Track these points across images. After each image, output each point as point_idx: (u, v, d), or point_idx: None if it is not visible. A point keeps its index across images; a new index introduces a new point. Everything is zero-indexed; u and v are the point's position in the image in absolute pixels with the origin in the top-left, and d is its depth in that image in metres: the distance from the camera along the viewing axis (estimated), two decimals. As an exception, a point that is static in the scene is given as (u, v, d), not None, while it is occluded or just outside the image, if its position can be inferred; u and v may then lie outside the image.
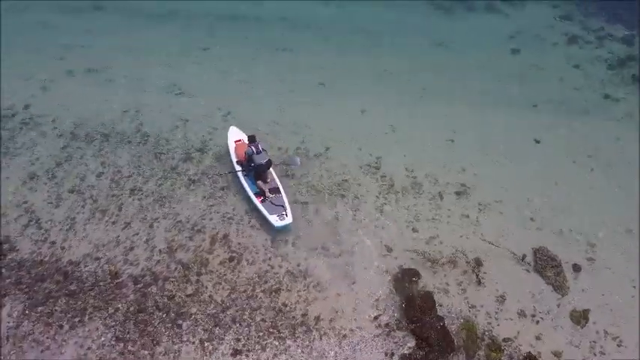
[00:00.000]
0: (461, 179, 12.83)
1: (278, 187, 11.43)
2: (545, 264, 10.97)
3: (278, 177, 11.77)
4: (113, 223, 10.81)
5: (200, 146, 12.93)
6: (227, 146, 12.63)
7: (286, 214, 10.81)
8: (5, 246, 10.04)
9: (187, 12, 19.40)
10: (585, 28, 20.91)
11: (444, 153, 13.68)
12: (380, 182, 12.52)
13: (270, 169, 11.46)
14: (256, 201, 11.11)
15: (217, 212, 11.25)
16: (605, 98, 16.77)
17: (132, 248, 10.29)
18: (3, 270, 9.62)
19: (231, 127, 13.02)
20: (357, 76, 16.86)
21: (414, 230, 11.39)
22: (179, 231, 10.75)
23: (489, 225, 11.74)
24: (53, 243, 10.19)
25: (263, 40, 18.30)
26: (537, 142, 14.29)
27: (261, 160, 10.97)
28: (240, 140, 12.55)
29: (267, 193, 11.14)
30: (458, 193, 12.44)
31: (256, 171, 11.17)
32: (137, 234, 10.63)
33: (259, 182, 11.26)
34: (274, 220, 10.70)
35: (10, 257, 9.90)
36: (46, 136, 12.67)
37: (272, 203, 11.02)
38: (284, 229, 10.88)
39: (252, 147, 11.03)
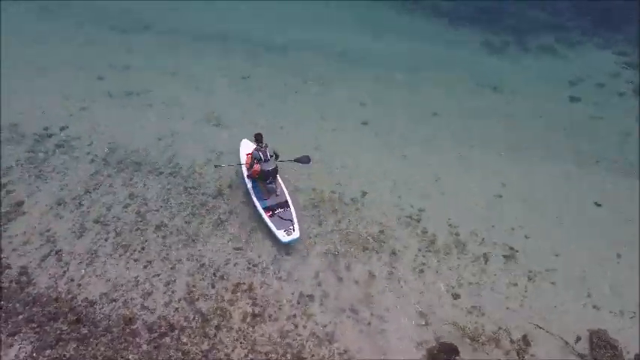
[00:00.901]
0: (509, 241, 11.67)
1: (287, 201, 11.26)
2: (603, 351, 9.66)
3: (288, 191, 11.62)
4: (135, 260, 10.28)
5: (232, 182, 12.34)
6: (238, 159, 12.54)
7: (293, 229, 10.60)
8: (23, 278, 9.66)
9: (232, 38, 19.18)
10: (656, 78, 19.33)
11: (492, 210, 12.53)
12: (420, 237, 11.53)
13: (280, 181, 11.67)
14: (265, 216, 10.90)
15: (243, 258, 10.55)
16: (678, 160, 15.19)
17: (150, 292, 9.68)
18: (17, 305, 9.20)
19: (244, 140, 12.87)
20: (402, 117, 15.96)
21: (455, 296, 10.32)
22: (202, 276, 10.10)
23: (539, 297, 10.54)
24: (71, 279, 9.72)
25: (306, 72, 17.74)
26: (598, 205, 12.93)
27: (267, 167, 10.91)
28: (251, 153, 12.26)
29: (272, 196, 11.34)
30: (506, 257, 11.30)
31: (261, 175, 11.10)
32: (158, 275, 10.05)
33: (262, 186, 11.35)
34: (281, 235, 10.51)
35: (26, 291, 9.49)
36: (79, 161, 12.40)
37: (280, 217, 10.83)
38: (291, 243, 10.61)
39: (261, 153, 10.86)
